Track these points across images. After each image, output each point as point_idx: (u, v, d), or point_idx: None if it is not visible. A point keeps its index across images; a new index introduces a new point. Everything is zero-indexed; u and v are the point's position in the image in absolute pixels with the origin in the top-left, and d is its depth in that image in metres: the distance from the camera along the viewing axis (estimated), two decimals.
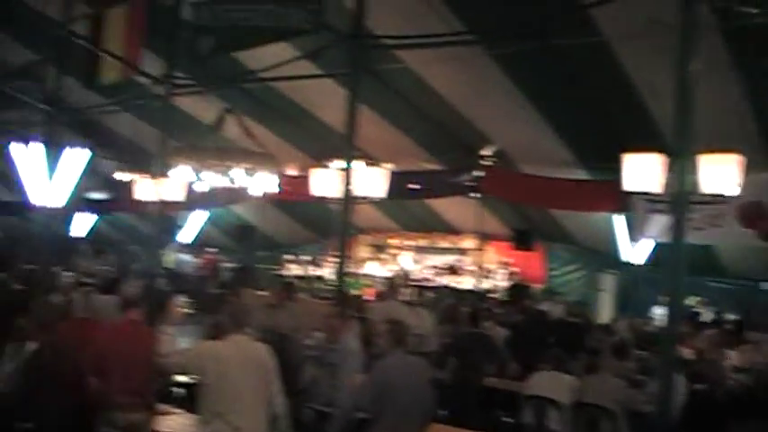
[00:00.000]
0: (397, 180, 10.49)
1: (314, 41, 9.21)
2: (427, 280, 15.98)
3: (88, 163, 11.99)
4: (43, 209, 11.98)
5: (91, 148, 12.07)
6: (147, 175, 11.61)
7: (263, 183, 12.24)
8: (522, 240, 14.52)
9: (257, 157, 11.45)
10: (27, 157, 11.74)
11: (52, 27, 11.87)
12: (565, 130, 11.11)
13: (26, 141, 11.81)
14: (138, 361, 5.71)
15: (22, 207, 14.11)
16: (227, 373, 4.96)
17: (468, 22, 9.13)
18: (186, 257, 19.91)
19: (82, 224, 19.75)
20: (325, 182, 9.66)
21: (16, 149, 11.85)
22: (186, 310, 9.46)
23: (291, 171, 13.76)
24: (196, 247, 20.17)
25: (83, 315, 6.99)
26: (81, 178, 12.02)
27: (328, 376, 7.12)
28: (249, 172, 11.56)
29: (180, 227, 18.94)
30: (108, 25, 11.28)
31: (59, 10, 11.86)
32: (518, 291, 12.17)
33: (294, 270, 17.50)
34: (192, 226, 19.23)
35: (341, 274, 9.01)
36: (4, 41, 14.24)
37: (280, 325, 8.43)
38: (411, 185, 12.75)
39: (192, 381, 6.58)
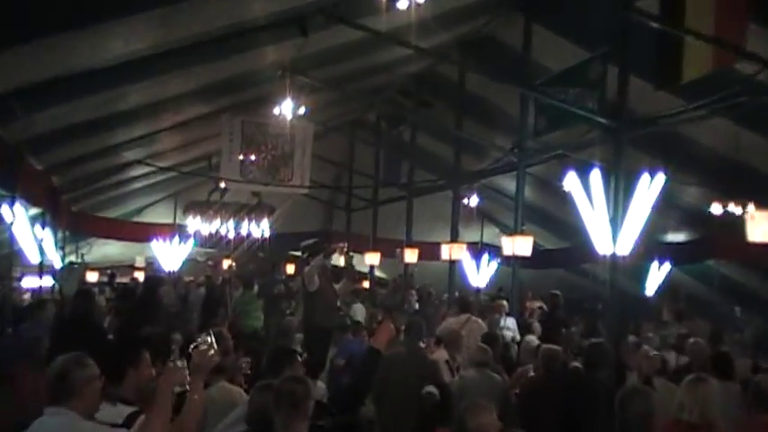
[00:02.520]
0: None
1: None
2: None
3: (662, 192, 9.80)
4: (606, 258, 10.15)
5: (665, 172, 9.88)
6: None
7: None
8: None
9: None
10: (584, 188, 10.19)
11: (610, 11, 10.10)
12: None
13: (583, 169, 10.29)
14: None
15: (577, 256, 12.51)
16: None
17: None
18: None
19: (653, 277, 17.12)
20: None
21: (571, 180, 10.30)
22: None
23: None
24: None
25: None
26: (653, 213, 9.88)
27: None
28: None
29: None
30: None
31: None
32: None
33: None
34: None
35: None
36: (546, 38, 12.60)
37: None
38: None
39: None
